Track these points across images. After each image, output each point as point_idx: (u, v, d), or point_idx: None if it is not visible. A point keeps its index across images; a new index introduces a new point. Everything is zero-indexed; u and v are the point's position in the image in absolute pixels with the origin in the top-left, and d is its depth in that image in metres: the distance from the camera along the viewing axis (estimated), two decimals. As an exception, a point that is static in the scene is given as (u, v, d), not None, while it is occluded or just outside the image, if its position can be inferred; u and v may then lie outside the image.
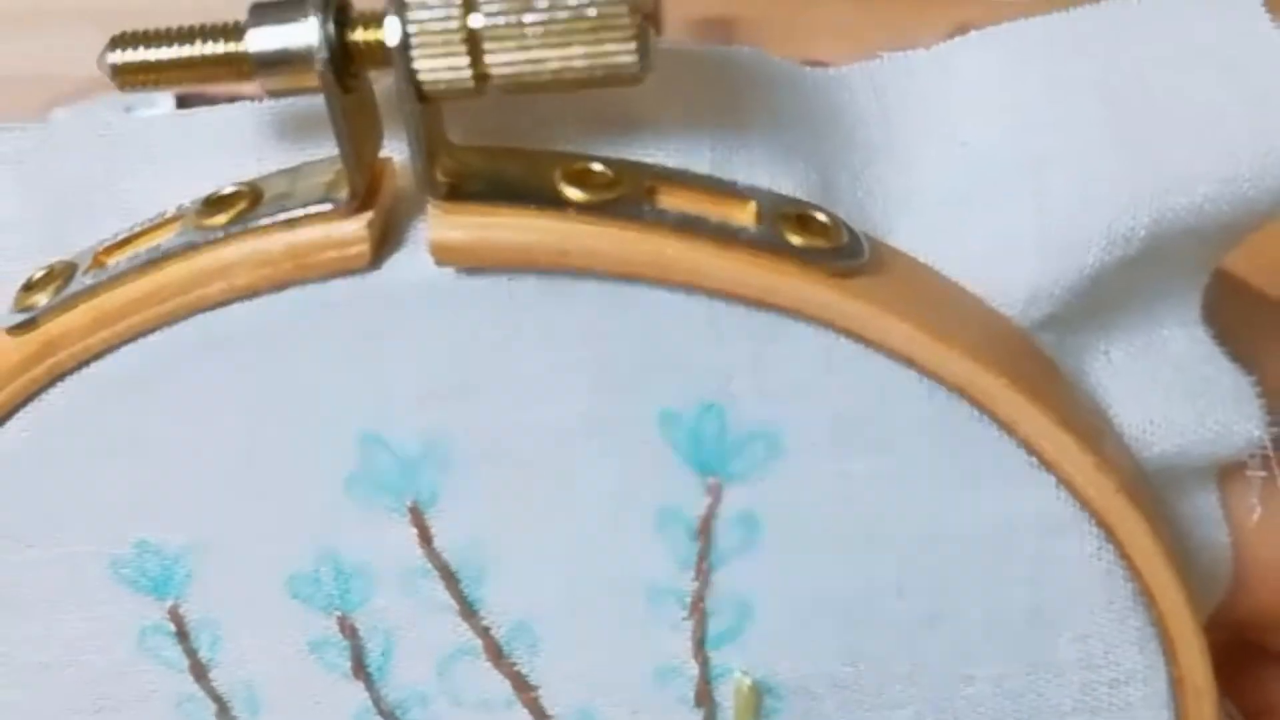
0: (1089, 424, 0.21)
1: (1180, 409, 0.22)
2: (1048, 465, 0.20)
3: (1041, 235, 0.21)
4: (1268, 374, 0.23)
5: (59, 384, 0.20)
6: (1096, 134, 0.21)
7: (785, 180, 0.20)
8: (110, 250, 0.20)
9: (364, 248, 0.19)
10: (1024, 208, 0.21)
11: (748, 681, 0.21)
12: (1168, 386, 0.23)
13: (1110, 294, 0.22)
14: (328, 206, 0.19)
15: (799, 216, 0.19)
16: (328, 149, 0.19)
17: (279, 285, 0.19)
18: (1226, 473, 0.23)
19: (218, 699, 0.22)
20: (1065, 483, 0.20)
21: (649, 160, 0.20)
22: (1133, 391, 0.22)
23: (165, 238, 0.20)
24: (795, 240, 0.19)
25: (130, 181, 0.21)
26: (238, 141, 0.21)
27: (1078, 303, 0.22)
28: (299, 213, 0.19)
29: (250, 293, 0.19)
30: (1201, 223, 0.21)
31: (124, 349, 0.20)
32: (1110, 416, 0.22)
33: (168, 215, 0.20)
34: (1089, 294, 0.21)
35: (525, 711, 0.22)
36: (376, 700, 0.22)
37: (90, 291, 0.20)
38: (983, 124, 0.21)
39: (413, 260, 0.19)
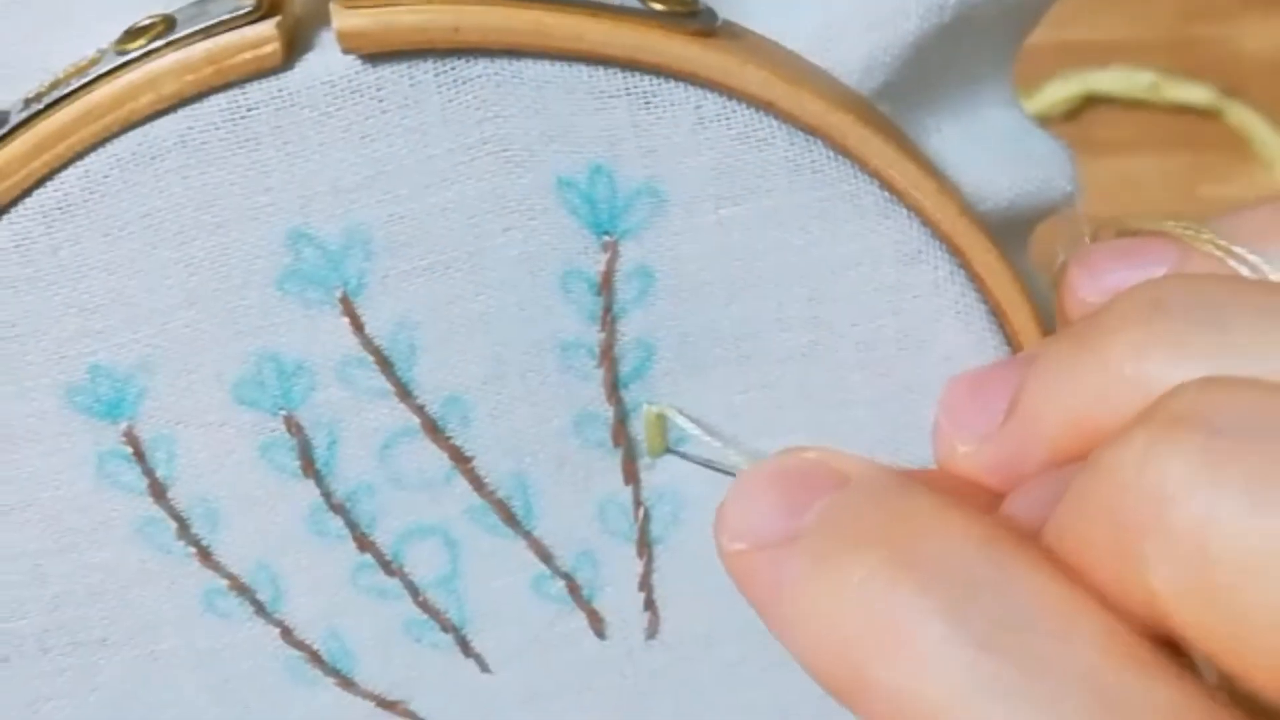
0: (929, 161, 0.24)
1: (1006, 170, 0.26)
2: (898, 195, 0.23)
3: (865, 11, 0.24)
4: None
5: (3, 217, 0.22)
6: None
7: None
8: (39, 95, 0.22)
9: (275, 46, 0.21)
10: None
11: (655, 410, 0.24)
12: (994, 153, 0.26)
13: (934, 69, 0.25)
14: (240, 12, 0.21)
15: (658, -10, 0.22)
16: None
17: (202, 92, 0.21)
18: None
19: (177, 517, 0.24)
20: (915, 210, 0.23)
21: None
22: (964, 158, 0.26)
23: (92, 69, 0.22)
24: (658, 6, 0.22)
25: (51, 42, 0.23)
26: None
27: (907, 73, 0.25)
28: (214, 20, 0.21)
29: (177, 102, 0.21)
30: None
31: (64, 173, 0.22)
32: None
33: (89, 56, 0.22)
34: (915, 65, 0.25)
35: (464, 483, 0.24)
36: (327, 496, 0.24)
37: (25, 124, 0.22)
38: None
39: (322, 58, 0.22)
